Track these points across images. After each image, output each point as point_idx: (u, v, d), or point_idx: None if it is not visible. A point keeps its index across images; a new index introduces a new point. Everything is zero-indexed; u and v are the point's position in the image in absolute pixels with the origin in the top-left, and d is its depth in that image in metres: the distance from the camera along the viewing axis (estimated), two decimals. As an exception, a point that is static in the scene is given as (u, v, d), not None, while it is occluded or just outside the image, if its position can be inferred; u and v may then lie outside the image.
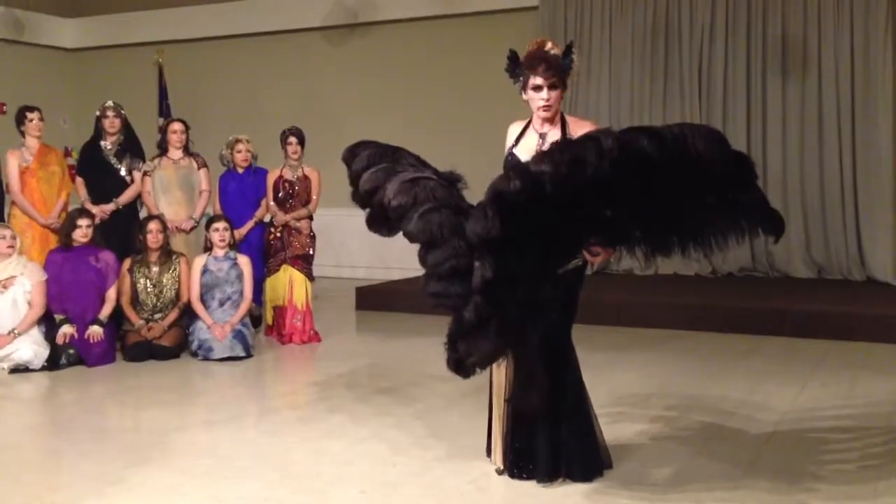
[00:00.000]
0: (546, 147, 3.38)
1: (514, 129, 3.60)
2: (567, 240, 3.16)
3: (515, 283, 3.05)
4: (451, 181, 3.48)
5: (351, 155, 3.74)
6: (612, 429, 3.95)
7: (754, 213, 3.12)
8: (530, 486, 3.43)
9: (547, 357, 3.38)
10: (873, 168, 7.97)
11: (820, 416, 4.42)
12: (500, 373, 3.53)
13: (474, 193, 3.22)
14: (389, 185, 3.41)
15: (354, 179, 3.68)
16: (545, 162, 2.97)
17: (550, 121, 3.49)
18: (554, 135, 3.45)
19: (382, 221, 3.62)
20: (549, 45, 3.42)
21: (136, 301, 5.99)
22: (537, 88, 3.42)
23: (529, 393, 3.34)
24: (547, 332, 3.33)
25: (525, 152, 3.44)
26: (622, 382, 5.10)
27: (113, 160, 6.47)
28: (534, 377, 3.34)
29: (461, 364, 3.15)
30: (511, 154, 3.52)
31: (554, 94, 3.41)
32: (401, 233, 3.38)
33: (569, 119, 3.52)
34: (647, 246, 3.15)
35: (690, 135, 2.94)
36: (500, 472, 3.55)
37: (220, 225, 6.11)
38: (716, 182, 3.00)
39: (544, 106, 3.43)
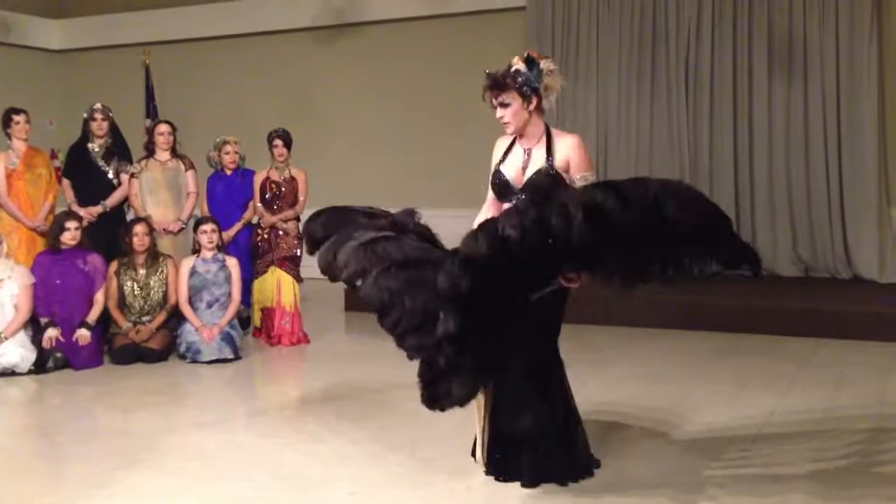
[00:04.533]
0: (528, 166, 3.46)
1: (501, 145, 3.61)
2: (539, 277, 3.16)
3: (486, 327, 3.07)
4: (405, 221, 3.52)
5: (308, 230, 3.79)
6: (599, 428, 3.96)
7: (730, 256, 3.08)
8: (517, 486, 3.44)
9: (533, 375, 3.39)
10: (859, 166, 8.01)
11: (807, 415, 4.45)
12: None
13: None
14: (339, 254, 3.46)
15: (311, 253, 3.77)
16: (511, 226, 2.94)
17: (529, 136, 3.49)
18: (539, 150, 3.47)
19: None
20: (514, 61, 3.44)
21: (123, 304, 5.97)
22: (493, 108, 3.47)
23: (519, 417, 3.34)
24: (531, 352, 3.33)
25: (511, 169, 3.50)
26: (609, 381, 5.12)
27: (100, 162, 6.44)
28: (522, 401, 3.33)
29: (436, 401, 3.18)
30: (498, 171, 3.54)
31: (506, 111, 3.42)
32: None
33: (554, 133, 3.52)
34: (624, 273, 3.07)
35: (664, 200, 2.90)
36: (487, 473, 3.56)
37: (208, 227, 6.10)
38: (688, 239, 2.96)
39: (502, 123, 3.47)
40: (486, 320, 3.06)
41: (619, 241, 2.91)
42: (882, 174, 7.97)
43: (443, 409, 3.22)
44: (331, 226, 3.68)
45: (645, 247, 2.96)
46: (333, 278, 3.64)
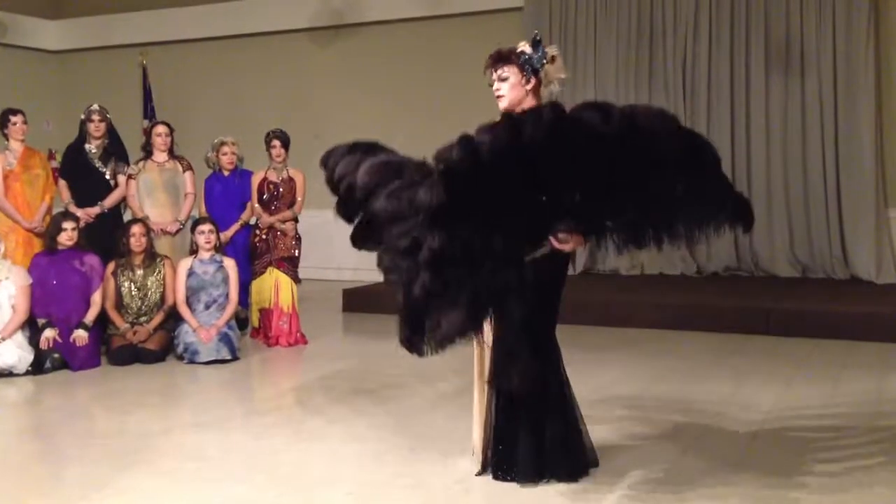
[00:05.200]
0: None
1: None
2: (529, 222, 3.16)
3: (473, 265, 3.06)
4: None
5: (327, 155, 3.74)
6: (598, 428, 3.96)
7: (722, 203, 3.17)
8: (516, 486, 3.44)
9: (526, 335, 3.37)
10: (856, 167, 8.03)
11: (804, 415, 4.45)
12: (482, 373, 3.55)
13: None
14: (361, 167, 3.42)
15: (330, 175, 3.65)
16: (485, 132, 3.06)
17: None
18: None
19: (367, 235, 3.62)
20: (520, 44, 3.50)
21: (120, 304, 5.97)
22: (491, 83, 3.51)
23: (510, 373, 3.31)
24: (525, 312, 3.28)
25: None
26: (608, 382, 5.12)
27: (97, 163, 6.44)
28: (514, 358, 3.30)
29: (412, 341, 3.17)
30: None
31: (504, 84, 3.46)
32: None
33: None
34: (618, 236, 3.20)
35: (642, 114, 3.06)
36: (479, 474, 3.56)
37: (206, 227, 6.09)
38: (672, 161, 3.03)
39: (496, 96, 3.50)
40: (470, 252, 3.05)
41: (591, 156, 2.99)
42: (879, 175, 8.00)
43: (420, 353, 3.20)
44: (356, 150, 3.63)
45: (631, 177, 3.02)
46: (344, 193, 3.50)
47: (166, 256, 6.16)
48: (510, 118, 3.15)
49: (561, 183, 3.08)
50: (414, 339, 3.19)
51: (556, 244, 3.23)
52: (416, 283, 3.09)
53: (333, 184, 3.63)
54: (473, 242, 3.05)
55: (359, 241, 3.69)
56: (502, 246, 3.10)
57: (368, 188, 3.34)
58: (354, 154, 3.58)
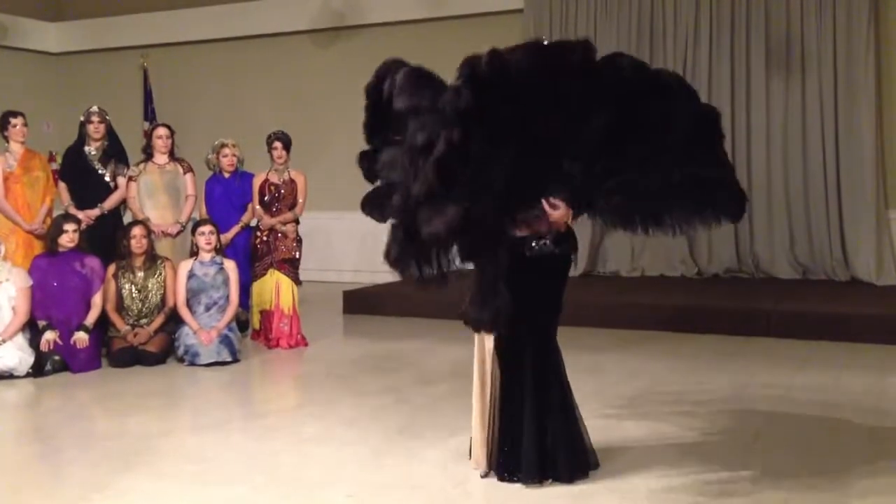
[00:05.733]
0: None
1: None
2: (531, 171, 3.22)
3: (475, 190, 3.11)
4: None
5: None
6: (599, 430, 3.96)
7: (718, 189, 3.27)
8: (516, 488, 3.44)
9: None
10: (856, 169, 8.03)
11: (805, 416, 4.45)
12: (482, 375, 3.55)
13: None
14: (399, 72, 3.48)
15: (372, 84, 3.69)
16: (518, 50, 3.16)
17: None
18: None
19: (376, 203, 3.65)
20: None
21: (121, 306, 5.97)
22: None
23: (483, 307, 3.31)
24: (507, 261, 3.33)
25: None
26: (608, 384, 5.12)
27: (97, 165, 6.44)
28: (492, 294, 3.30)
29: (401, 257, 3.24)
30: None
31: None
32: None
33: None
34: (609, 216, 3.34)
35: (673, 75, 3.31)
36: (483, 476, 3.56)
37: (206, 228, 6.10)
38: (684, 128, 3.15)
39: None
40: (477, 173, 3.10)
41: (612, 98, 3.12)
42: (879, 176, 8.00)
43: (407, 272, 3.26)
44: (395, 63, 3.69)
45: (643, 146, 3.15)
46: (384, 104, 3.54)
47: (167, 258, 6.16)
48: (548, 45, 3.27)
49: (576, 117, 3.15)
50: (402, 254, 3.25)
51: (546, 207, 3.29)
52: (419, 181, 3.12)
53: (375, 95, 3.64)
54: (482, 164, 3.10)
55: (367, 205, 3.72)
56: (503, 185, 3.15)
57: (403, 90, 3.41)
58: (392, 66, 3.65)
